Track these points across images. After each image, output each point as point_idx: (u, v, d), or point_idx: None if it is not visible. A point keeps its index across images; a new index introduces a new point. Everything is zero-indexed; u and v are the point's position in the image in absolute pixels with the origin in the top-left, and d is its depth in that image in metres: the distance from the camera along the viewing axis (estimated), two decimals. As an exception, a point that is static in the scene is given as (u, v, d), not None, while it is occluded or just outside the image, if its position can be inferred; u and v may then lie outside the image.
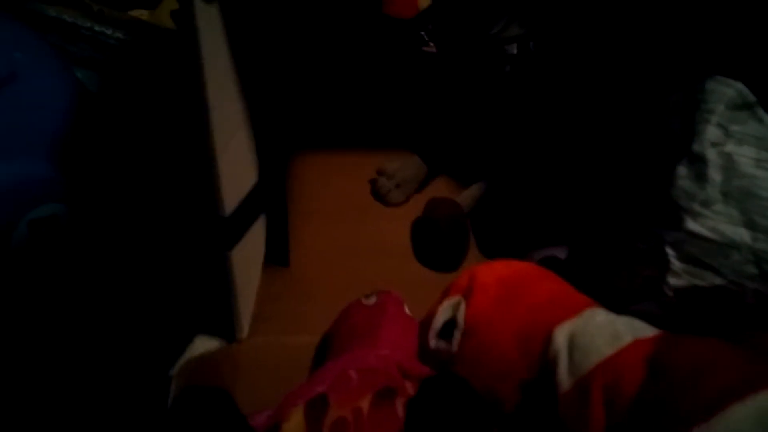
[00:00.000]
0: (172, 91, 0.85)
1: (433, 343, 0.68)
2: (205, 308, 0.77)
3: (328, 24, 1.01)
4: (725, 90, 0.66)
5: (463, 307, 0.67)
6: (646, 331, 0.59)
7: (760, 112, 0.66)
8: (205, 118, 0.60)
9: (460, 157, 1.00)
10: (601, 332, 0.59)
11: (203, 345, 0.75)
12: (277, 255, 0.85)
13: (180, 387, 0.70)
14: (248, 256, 0.77)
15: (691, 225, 0.62)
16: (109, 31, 0.93)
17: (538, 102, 0.93)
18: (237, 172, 0.70)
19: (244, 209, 0.71)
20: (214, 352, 0.75)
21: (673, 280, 0.63)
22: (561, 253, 0.83)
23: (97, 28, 0.93)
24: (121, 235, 0.82)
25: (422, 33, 1.16)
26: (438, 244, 0.88)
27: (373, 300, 0.73)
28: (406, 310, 0.74)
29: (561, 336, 0.60)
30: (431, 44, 1.16)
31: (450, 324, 0.68)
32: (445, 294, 0.71)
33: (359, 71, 1.07)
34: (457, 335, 0.66)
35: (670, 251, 0.63)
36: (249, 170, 0.76)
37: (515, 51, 0.94)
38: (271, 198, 0.83)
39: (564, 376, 0.57)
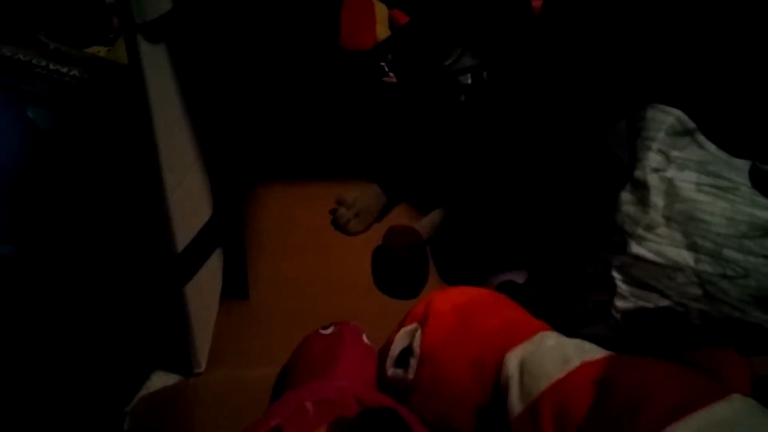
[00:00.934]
0: (127, 128, 0.85)
1: (390, 371, 0.69)
2: (162, 343, 0.76)
3: (284, 57, 1.02)
4: (665, 117, 0.68)
5: (419, 334, 0.68)
6: (594, 353, 0.60)
7: (700, 137, 0.68)
8: (155, 157, 0.61)
9: (419, 185, 1.02)
10: (550, 356, 0.60)
11: (160, 381, 0.74)
12: (235, 288, 0.85)
13: (135, 424, 0.69)
14: (204, 289, 0.77)
15: (636, 249, 0.64)
16: (65, 69, 0.93)
17: (492, 129, 0.96)
18: (190, 207, 0.70)
19: (198, 245, 0.72)
20: (170, 387, 0.74)
21: (620, 303, 0.65)
22: (520, 278, 0.85)
23: (52, 66, 0.93)
24: (74, 273, 0.81)
25: (383, 64, 1.19)
26: (397, 273, 0.89)
27: (330, 330, 0.74)
28: (365, 339, 0.74)
29: (513, 361, 0.61)
30: (391, 75, 1.19)
31: (407, 352, 0.68)
32: (403, 322, 0.72)
33: (317, 103, 1.08)
34: (413, 363, 0.67)
35: (617, 275, 0.65)
36: (203, 205, 0.76)
37: (469, 81, 0.96)
38: (227, 231, 0.83)
39: (515, 401, 0.58)
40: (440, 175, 1.00)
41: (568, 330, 0.65)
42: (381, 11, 1.23)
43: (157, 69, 0.60)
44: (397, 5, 1.23)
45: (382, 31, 1.21)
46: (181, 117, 0.68)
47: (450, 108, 0.98)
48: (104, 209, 0.83)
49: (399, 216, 1.00)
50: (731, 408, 0.50)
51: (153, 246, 0.68)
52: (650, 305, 0.63)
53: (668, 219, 0.64)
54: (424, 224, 0.95)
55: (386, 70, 1.19)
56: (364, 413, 0.57)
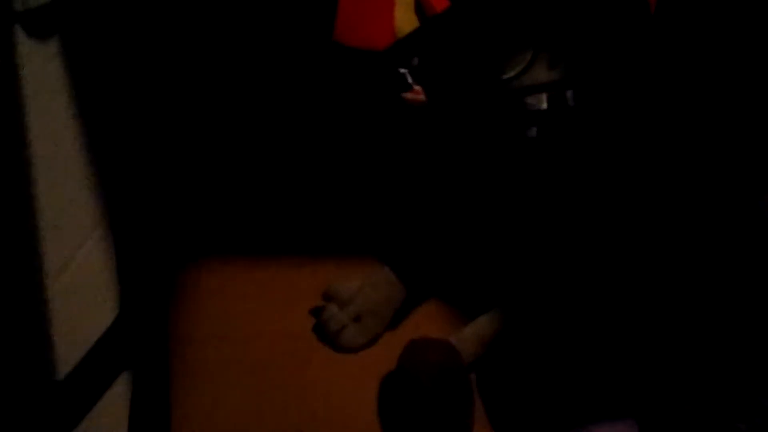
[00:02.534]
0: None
1: None
2: None
3: (249, 54, 1.05)
4: None
5: None
6: None
7: None
8: (29, 216, 0.62)
9: (458, 271, 1.02)
10: None
11: None
12: (150, 432, 0.85)
13: None
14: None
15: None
16: None
17: (582, 183, 0.96)
18: (82, 303, 0.71)
19: (93, 366, 0.71)
20: None
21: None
22: (623, 431, 0.84)
23: None
24: None
25: (403, 71, 1.20)
26: (421, 414, 0.87)
27: None
28: None
29: None
30: (416, 89, 1.20)
31: None
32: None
33: (296, 127, 1.11)
34: None
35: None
36: (104, 299, 0.77)
37: (544, 106, 0.96)
38: (140, 343, 0.83)
39: None
40: (495, 256, 1.00)
41: None
42: (404, -8, 1.25)
43: (43, 78, 0.62)
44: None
45: (405, 21, 1.22)
46: (76, 154, 0.69)
47: (513, 147, 0.97)
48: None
49: (424, 322, 1.01)
50: None
51: (23, 368, 0.69)
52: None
53: None
54: (467, 337, 0.95)
55: (409, 81, 1.20)
56: None
